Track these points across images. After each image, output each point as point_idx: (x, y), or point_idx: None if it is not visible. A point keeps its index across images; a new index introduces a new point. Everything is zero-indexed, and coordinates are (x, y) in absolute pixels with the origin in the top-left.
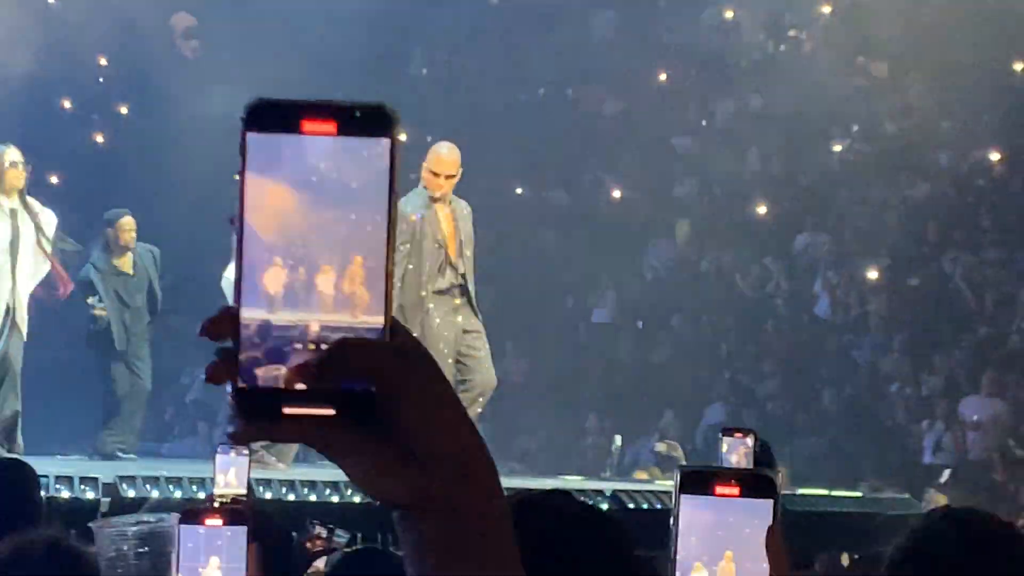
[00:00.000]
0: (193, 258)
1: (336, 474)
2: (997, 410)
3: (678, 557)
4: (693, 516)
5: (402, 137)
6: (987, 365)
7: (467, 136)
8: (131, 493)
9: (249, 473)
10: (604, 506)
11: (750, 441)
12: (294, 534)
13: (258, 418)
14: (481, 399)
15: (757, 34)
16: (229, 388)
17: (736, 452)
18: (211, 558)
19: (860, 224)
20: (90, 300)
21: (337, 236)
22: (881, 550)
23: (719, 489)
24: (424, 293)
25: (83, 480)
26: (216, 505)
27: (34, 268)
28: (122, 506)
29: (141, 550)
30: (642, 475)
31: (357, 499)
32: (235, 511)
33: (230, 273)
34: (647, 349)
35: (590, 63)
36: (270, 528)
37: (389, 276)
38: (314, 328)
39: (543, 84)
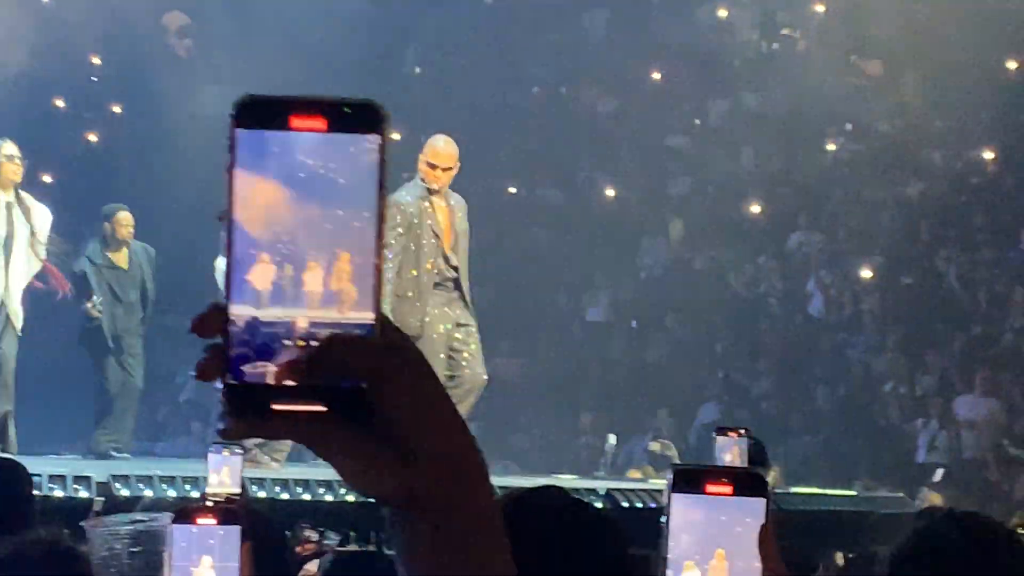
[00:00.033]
0: (187, 257)
1: (330, 473)
2: (991, 409)
3: (669, 556)
4: (685, 514)
5: (396, 136)
6: (981, 364)
7: (461, 135)
8: (125, 492)
9: (242, 472)
10: (598, 505)
11: (744, 440)
12: (288, 533)
13: (248, 415)
14: (471, 395)
15: (751, 33)
16: (219, 385)
17: (730, 451)
18: (204, 557)
19: (854, 223)
20: (89, 304)
21: (325, 232)
22: (875, 549)
23: (711, 488)
24: (420, 286)
25: (76, 479)
26: (209, 504)
27: (27, 265)
28: (116, 505)
29: (134, 549)
30: (636, 474)
31: (351, 498)
32: (228, 510)
33: (221, 264)
34: (641, 348)
35: (584, 62)
36: (263, 527)
37: (379, 272)
38: (302, 324)
39: (537, 83)
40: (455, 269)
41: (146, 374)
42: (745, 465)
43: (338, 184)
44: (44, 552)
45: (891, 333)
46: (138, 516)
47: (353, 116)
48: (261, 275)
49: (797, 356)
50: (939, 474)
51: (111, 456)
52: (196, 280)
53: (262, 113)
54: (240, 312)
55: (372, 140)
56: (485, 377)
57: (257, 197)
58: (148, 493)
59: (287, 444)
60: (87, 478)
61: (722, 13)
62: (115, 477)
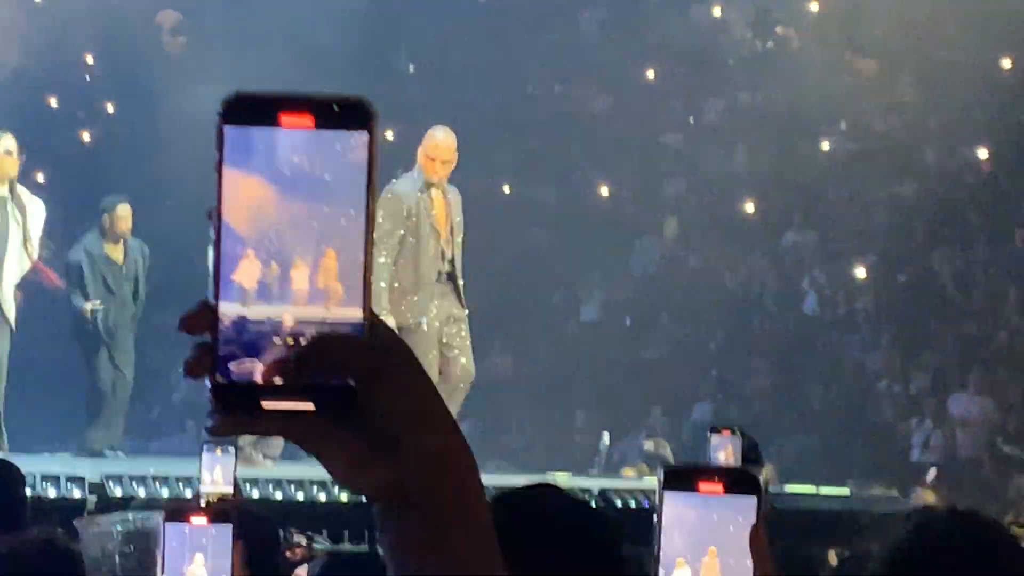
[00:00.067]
0: (181, 256)
1: (324, 472)
2: (985, 408)
3: (661, 554)
4: (676, 513)
5: (389, 135)
6: (975, 362)
7: (454, 134)
8: (118, 491)
9: (236, 471)
10: (592, 503)
11: (737, 439)
12: (281, 532)
13: (236, 412)
14: (461, 390)
15: (745, 31)
16: (207, 383)
17: (723, 449)
18: (196, 556)
19: (848, 221)
20: (88, 305)
21: (311, 229)
22: (869, 548)
23: (703, 486)
24: (419, 278)
25: (70, 479)
26: (202, 503)
27: (19, 259)
28: (109, 504)
29: (126, 549)
30: (630, 473)
31: (344, 497)
32: (220, 509)
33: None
34: (635, 346)
35: (578, 60)
36: (256, 526)
37: (368, 270)
38: (288, 322)
39: (531, 81)
40: (450, 263)
41: (137, 371)
42: (738, 463)
43: (325, 181)
44: (40, 550)
45: (885, 332)
46: (130, 515)
47: (341, 113)
48: (248, 272)
49: (791, 355)
50: (931, 474)
51: (105, 455)
52: (190, 279)
53: (250, 110)
54: (228, 310)
55: (360, 137)
56: (473, 372)
57: (244, 194)
58: (142, 492)
59: (281, 442)
60: (81, 478)
61: (716, 12)
62: (108, 476)
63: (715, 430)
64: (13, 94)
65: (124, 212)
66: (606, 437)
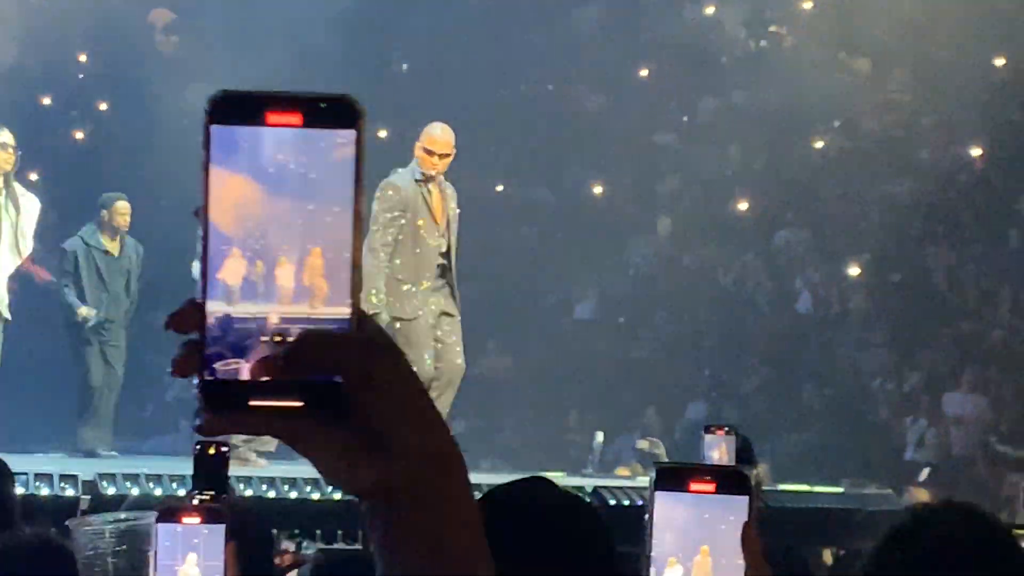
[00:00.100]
0: (174, 254)
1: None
2: (979, 406)
3: (653, 553)
4: (668, 512)
5: (382, 133)
6: (969, 361)
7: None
8: (111, 491)
9: (228, 470)
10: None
11: (731, 438)
12: (274, 531)
13: (224, 411)
14: (451, 386)
15: (739, 30)
16: (196, 381)
17: (717, 448)
18: (188, 556)
19: (842, 220)
20: (83, 311)
21: (296, 228)
22: (863, 546)
23: (694, 486)
24: (417, 271)
25: (63, 478)
26: (194, 503)
27: (11, 255)
28: (102, 503)
29: (118, 548)
30: (624, 472)
31: (337, 496)
32: (213, 509)
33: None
34: (629, 345)
35: (572, 59)
36: (249, 525)
37: (355, 267)
38: (274, 320)
39: (525, 80)
40: (445, 257)
41: (129, 370)
42: (732, 462)
43: (310, 179)
44: (33, 549)
45: (879, 330)
46: (122, 515)
47: (328, 111)
48: (232, 271)
49: (785, 353)
50: (924, 473)
51: (97, 454)
52: (183, 278)
53: (237, 109)
54: (214, 308)
55: (347, 135)
56: (464, 368)
57: (230, 193)
58: (135, 491)
59: (273, 441)
60: (73, 476)
61: (710, 10)
62: (102, 475)
63: (709, 429)
64: (6, 93)
65: (123, 207)
66: (600, 436)
